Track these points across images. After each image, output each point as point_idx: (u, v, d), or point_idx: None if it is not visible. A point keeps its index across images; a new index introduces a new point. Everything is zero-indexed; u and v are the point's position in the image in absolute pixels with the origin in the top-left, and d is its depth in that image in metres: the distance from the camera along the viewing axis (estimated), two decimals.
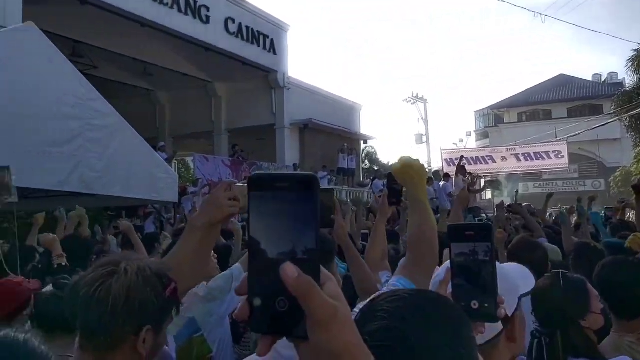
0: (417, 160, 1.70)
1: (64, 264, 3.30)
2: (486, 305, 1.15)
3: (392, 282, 1.55)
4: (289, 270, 0.60)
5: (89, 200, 7.63)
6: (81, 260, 3.54)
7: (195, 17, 15.75)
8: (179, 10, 15.22)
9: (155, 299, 1.36)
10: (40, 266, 4.30)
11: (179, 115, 20.86)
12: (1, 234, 4.07)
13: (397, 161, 1.69)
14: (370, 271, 2.62)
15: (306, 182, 0.65)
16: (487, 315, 1.15)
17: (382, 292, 1.08)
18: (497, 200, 12.72)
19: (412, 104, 35.45)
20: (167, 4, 14.80)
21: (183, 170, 17.74)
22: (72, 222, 5.18)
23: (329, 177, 18.72)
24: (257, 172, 0.68)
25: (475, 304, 1.15)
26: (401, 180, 1.75)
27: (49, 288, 3.55)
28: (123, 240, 7.55)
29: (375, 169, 28.20)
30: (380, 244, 2.85)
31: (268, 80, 19.48)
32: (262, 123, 19.70)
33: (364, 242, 4.90)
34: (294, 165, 18.57)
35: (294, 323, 0.63)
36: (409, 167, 1.66)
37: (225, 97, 20.50)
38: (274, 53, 19.08)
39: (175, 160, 15.65)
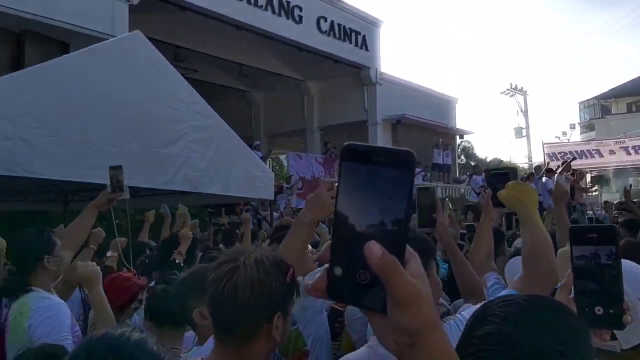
0: (525, 185, 1.72)
1: (177, 260, 3.47)
2: (611, 311, 1.07)
3: (502, 293, 1.51)
4: (374, 249, 0.60)
5: (191, 198, 8.01)
6: (187, 257, 3.72)
7: (288, 18, 16.05)
8: (273, 12, 15.57)
9: (279, 287, 1.42)
10: (147, 261, 4.57)
11: (273, 115, 21.36)
12: (115, 230, 4.35)
13: (505, 188, 1.71)
14: (474, 272, 2.55)
15: (403, 157, 0.63)
16: (613, 322, 1.08)
17: (496, 297, 1.05)
18: (605, 197, 11.90)
19: (510, 96, 34.10)
20: (262, 6, 15.18)
21: (277, 168, 18.14)
22: (178, 220, 5.44)
23: (423, 173, 18.40)
24: (351, 142, 0.65)
25: (599, 310, 1.08)
26: (510, 205, 1.75)
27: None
28: (224, 236, 7.90)
29: (472, 164, 27.33)
30: (485, 244, 2.76)
31: (360, 76, 19.44)
32: (354, 120, 19.70)
33: (461, 242, 4.76)
34: None
35: (373, 296, 0.63)
36: (517, 192, 1.68)
37: (318, 95, 20.72)
38: (366, 49, 19.00)
39: (270, 158, 16.05)
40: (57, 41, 12.18)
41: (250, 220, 5.40)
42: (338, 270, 0.63)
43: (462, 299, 2.99)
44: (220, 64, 17.85)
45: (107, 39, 8.74)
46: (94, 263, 2.83)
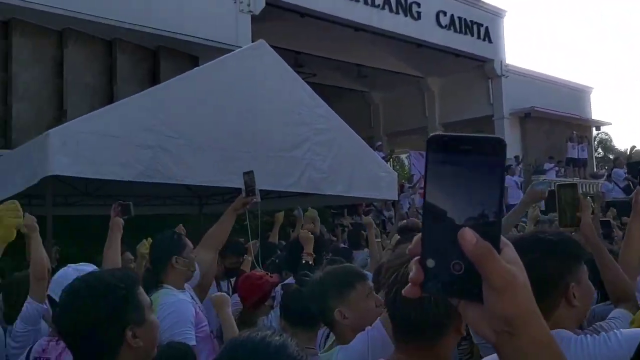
0: None
1: (310, 262, 3.52)
2: None
3: None
4: (468, 236, 0.60)
5: (314, 200, 8.16)
6: (317, 257, 3.75)
7: (406, 15, 15.85)
8: (390, 10, 15.45)
9: None
10: (277, 261, 4.68)
11: (393, 114, 21.20)
12: (246, 232, 4.53)
13: None
14: (625, 275, 2.30)
15: (492, 144, 0.62)
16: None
17: None
18: None
19: None
20: (379, 5, 15.13)
21: (397, 167, 17.98)
22: (307, 221, 5.54)
23: (557, 168, 17.25)
24: (437, 132, 0.64)
25: None
26: None
27: (289, 280, 3.83)
28: (349, 237, 7.95)
29: (612, 157, 25.17)
30: (637, 244, 2.48)
31: (484, 69, 18.69)
32: (478, 115, 18.98)
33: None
34: (516, 157, 17.51)
35: (469, 286, 0.62)
36: None
37: (439, 91, 20.23)
38: (489, 41, 18.22)
39: (390, 158, 15.96)
40: (188, 55, 13.03)
41: (373, 224, 5.37)
42: (430, 262, 0.63)
43: (601, 304, 2.73)
44: (338, 66, 18.07)
45: (232, 49, 9.18)
46: (223, 293, 2.95)
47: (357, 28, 15.04)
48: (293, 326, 2.52)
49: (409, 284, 0.64)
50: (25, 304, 2.79)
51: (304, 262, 3.56)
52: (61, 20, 11.05)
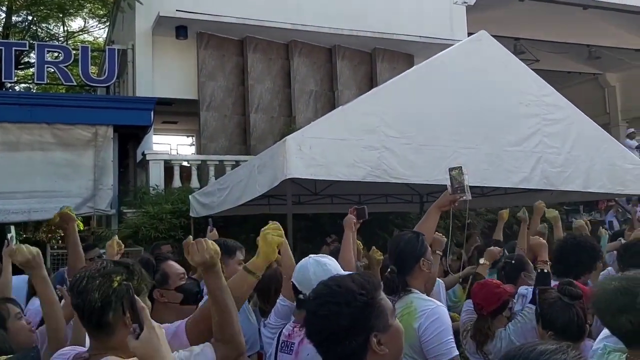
0: None
1: (546, 270, 3.20)
2: None
3: None
4: None
5: (545, 196, 7.52)
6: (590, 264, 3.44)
7: None
8: None
9: None
10: (514, 262, 4.35)
11: (633, 96, 18.69)
12: (449, 232, 4.31)
13: None
14: None
15: None
16: None
17: None
18: None
19: None
20: None
21: None
22: (548, 222, 5.11)
23: None
24: None
25: None
26: None
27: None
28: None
29: None
30: None
31: None
32: None
33: None
34: None
35: None
36: None
37: None
38: None
39: None
40: (403, 54, 13.17)
41: (586, 227, 4.76)
42: None
43: None
44: (563, 48, 16.58)
45: (447, 44, 8.98)
46: None
47: (586, 5, 13.60)
48: (557, 337, 2.32)
49: None
50: (278, 301, 3.03)
51: (539, 271, 3.24)
52: (287, 34, 12.04)
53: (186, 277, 2.82)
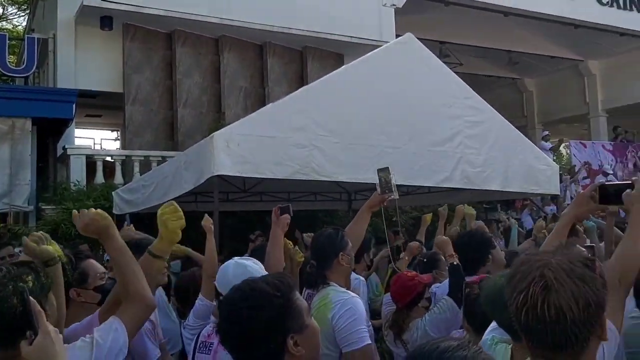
0: None
1: (455, 262, 3.37)
2: None
3: None
4: None
5: (466, 195, 7.85)
6: (481, 256, 3.58)
7: None
8: None
9: (599, 286, 1.28)
10: (425, 260, 4.52)
11: (548, 101, 19.78)
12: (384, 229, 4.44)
13: None
14: None
15: None
16: None
17: None
18: None
19: None
20: None
21: (554, 158, 16.76)
22: (458, 218, 5.35)
23: None
24: None
25: None
26: None
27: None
28: (504, 234, 7.54)
29: None
30: None
31: None
32: None
33: None
34: None
35: None
36: None
37: (601, 74, 18.47)
38: None
39: (559, 147, 14.99)
40: (333, 53, 13.29)
41: (512, 225, 5.08)
42: None
43: None
44: (486, 54, 17.31)
45: (376, 45, 9.16)
46: None
47: (507, 12, 14.25)
48: (476, 332, 2.42)
49: None
50: (197, 301, 3.00)
51: (450, 264, 3.40)
52: (217, 29, 11.87)
53: (106, 277, 2.73)
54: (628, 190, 1.92)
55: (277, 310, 1.47)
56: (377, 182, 3.43)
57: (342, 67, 7.50)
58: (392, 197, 3.35)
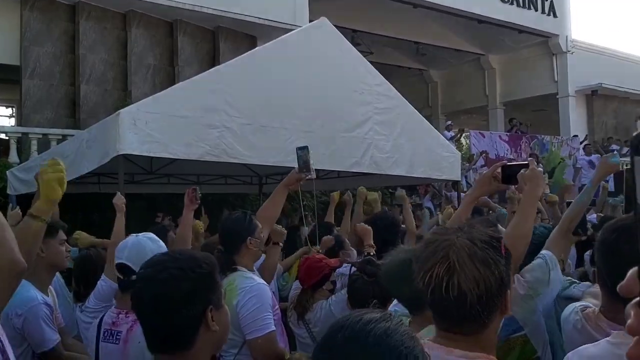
0: None
1: (372, 253, 3.44)
2: None
3: None
4: None
5: (373, 180, 8.07)
6: (392, 239, 3.70)
7: None
8: None
9: (501, 267, 1.34)
10: (335, 243, 4.62)
11: (452, 92, 20.72)
12: (302, 211, 4.50)
13: None
14: None
15: None
16: None
17: None
18: None
19: None
20: None
21: (455, 147, 17.60)
22: (373, 204, 5.47)
23: (617, 150, 16.40)
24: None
25: None
26: None
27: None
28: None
29: None
30: None
31: (548, 45, 17.95)
32: (542, 93, 18.30)
33: None
34: (585, 136, 16.79)
35: None
36: None
37: (500, 68, 19.59)
38: (554, 16, 17.45)
39: (459, 137, 15.72)
40: (246, 35, 13.11)
41: (406, 198, 5.34)
42: None
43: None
44: (395, 44, 17.78)
45: (289, 29, 9.15)
46: None
47: (416, 5, 14.71)
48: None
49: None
50: (99, 282, 2.87)
51: (366, 254, 3.48)
52: (124, 3, 11.32)
53: None
54: (522, 171, 2.03)
55: (205, 275, 1.46)
56: (296, 160, 3.40)
57: (256, 48, 7.43)
58: (310, 176, 3.30)
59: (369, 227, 3.68)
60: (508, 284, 1.37)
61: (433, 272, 1.32)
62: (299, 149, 3.39)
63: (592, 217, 5.23)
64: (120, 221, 3.32)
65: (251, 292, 2.70)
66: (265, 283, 2.91)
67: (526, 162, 2.07)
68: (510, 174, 2.11)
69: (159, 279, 1.43)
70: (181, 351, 1.42)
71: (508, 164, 2.21)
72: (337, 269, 3.71)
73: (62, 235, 3.05)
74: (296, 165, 3.38)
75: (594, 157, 14.61)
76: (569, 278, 2.69)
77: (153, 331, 1.47)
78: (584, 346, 1.61)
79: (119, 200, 3.52)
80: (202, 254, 1.55)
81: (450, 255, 1.32)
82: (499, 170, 2.17)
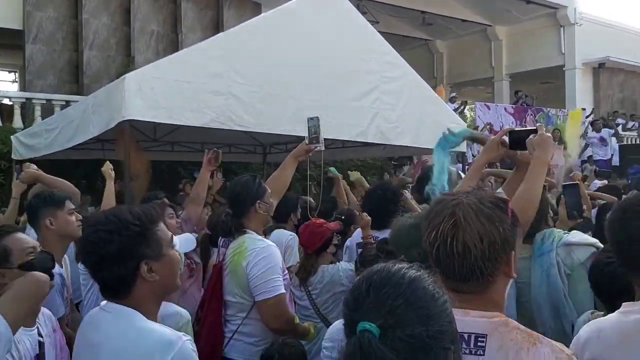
0: None
1: (373, 253, 3.46)
2: None
3: None
4: None
5: (376, 150, 8.05)
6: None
7: None
8: None
9: (506, 226, 1.37)
10: (343, 218, 4.62)
11: (457, 63, 20.47)
12: (308, 181, 4.49)
13: None
14: None
15: None
16: None
17: None
18: None
19: None
20: None
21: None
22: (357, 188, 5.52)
23: (636, 125, 16.24)
24: None
25: None
26: None
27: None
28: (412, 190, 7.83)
29: None
30: None
31: (556, 17, 17.67)
32: (548, 65, 18.09)
33: None
34: (592, 110, 16.65)
35: None
36: None
37: (506, 40, 19.32)
38: None
39: (463, 109, 15.58)
40: (250, 2, 12.92)
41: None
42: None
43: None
44: (402, 13, 17.51)
45: None
46: None
47: None
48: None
49: None
50: None
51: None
52: None
53: (38, 250, 2.15)
54: (531, 136, 2.03)
55: (132, 236, 1.59)
56: (306, 131, 3.38)
57: (262, 14, 7.31)
58: (319, 148, 3.30)
59: (369, 219, 3.62)
60: (513, 245, 1.39)
61: (439, 229, 1.36)
62: (310, 119, 3.36)
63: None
64: (109, 189, 3.41)
65: (262, 254, 2.70)
66: (276, 245, 2.89)
67: (534, 128, 2.07)
68: (517, 139, 2.11)
69: (90, 240, 1.62)
70: (121, 299, 1.61)
71: (515, 129, 2.20)
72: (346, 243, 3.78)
73: (69, 205, 3.02)
74: (305, 135, 3.36)
75: (605, 133, 14.47)
76: (560, 230, 2.73)
77: (96, 281, 1.68)
78: (597, 319, 1.66)
79: (107, 167, 3.66)
80: (138, 213, 1.65)
81: (456, 212, 1.36)
82: (506, 136, 2.17)
